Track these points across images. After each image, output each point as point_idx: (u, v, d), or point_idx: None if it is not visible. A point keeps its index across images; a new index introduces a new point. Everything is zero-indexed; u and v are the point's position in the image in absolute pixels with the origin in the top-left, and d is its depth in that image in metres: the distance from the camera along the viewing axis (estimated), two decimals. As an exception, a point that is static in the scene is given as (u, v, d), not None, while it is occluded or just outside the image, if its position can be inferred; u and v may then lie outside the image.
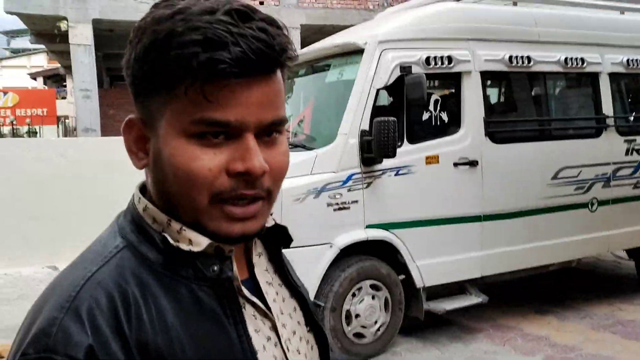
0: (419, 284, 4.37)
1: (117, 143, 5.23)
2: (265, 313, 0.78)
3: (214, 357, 0.70)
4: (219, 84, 0.65)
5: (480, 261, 4.64)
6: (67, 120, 23.28)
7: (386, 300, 4.31)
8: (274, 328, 0.79)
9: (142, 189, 0.79)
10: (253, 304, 0.77)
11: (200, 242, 0.71)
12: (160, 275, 0.70)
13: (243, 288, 0.75)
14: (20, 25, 14.31)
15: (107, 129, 13.29)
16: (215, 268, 0.71)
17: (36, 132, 19.46)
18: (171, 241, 0.71)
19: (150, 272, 0.70)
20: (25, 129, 19.71)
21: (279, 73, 0.71)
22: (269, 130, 0.70)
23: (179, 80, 0.66)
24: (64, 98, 27.54)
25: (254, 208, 0.70)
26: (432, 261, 4.41)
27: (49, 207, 4.17)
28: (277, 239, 0.86)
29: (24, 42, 47.27)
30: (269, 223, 0.82)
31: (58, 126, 22.05)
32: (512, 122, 5.17)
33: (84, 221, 4.02)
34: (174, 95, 0.67)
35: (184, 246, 0.71)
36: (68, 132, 20.51)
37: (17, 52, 50.55)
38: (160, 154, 0.70)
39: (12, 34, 52.44)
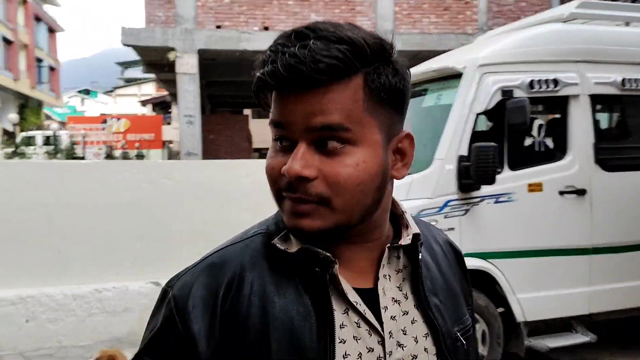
0: (519, 318, 4.13)
1: (217, 166, 5.46)
2: (373, 325, 0.78)
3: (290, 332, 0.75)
4: (274, 95, 0.76)
5: (588, 297, 4.32)
6: (171, 145, 24.70)
7: (483, 333, 4.10)
8: (382, 343, 0.79)
9: None
10: (358, 312, 0.78)
11: (292, 245, 0.79)
12: (274, 264, 0.79)
13: (352, 294, 0.78)
14: (133, 56, 15.45)
15: (207, 153, 13.92)
16: (317, 269, 0.77)
17: (143, 156, 20.75)
18: (276, 242, 0.81)
19: (266, 258, 0.80)
20: (134, 152, 21.09)
21: (347, 81, 0.72)
22: (323, 139, 0.73)
23: (263, 92, 0.78)
24: (169, 124, 29.30)
25: (303, 208, 0.75)
26: (534, 295, 4.16)
27: (154, 227, 4.37)
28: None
29: (135, 72, 50.99)
30: (405, 241, 0.83)
31: (163, 150, 23.45)
32: (626, 148, 4.81)
33: (185, 240, 4.20)
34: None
35: (279, 245, 0.80)
36: (172, 155, 21.72)
37: (129, 81, 54.68)
38: None
39: (126, 64, 56.81)
